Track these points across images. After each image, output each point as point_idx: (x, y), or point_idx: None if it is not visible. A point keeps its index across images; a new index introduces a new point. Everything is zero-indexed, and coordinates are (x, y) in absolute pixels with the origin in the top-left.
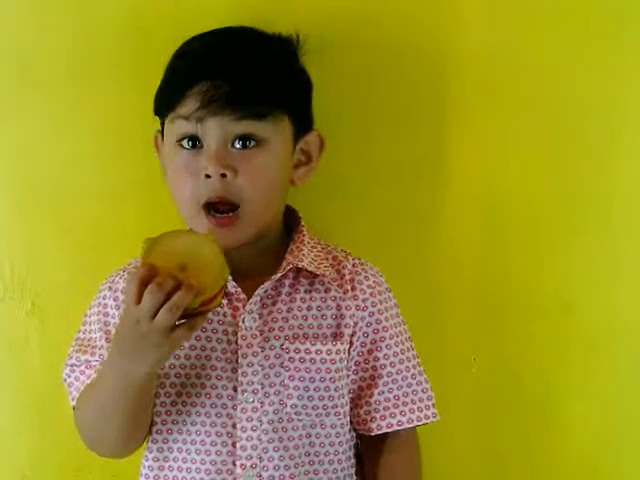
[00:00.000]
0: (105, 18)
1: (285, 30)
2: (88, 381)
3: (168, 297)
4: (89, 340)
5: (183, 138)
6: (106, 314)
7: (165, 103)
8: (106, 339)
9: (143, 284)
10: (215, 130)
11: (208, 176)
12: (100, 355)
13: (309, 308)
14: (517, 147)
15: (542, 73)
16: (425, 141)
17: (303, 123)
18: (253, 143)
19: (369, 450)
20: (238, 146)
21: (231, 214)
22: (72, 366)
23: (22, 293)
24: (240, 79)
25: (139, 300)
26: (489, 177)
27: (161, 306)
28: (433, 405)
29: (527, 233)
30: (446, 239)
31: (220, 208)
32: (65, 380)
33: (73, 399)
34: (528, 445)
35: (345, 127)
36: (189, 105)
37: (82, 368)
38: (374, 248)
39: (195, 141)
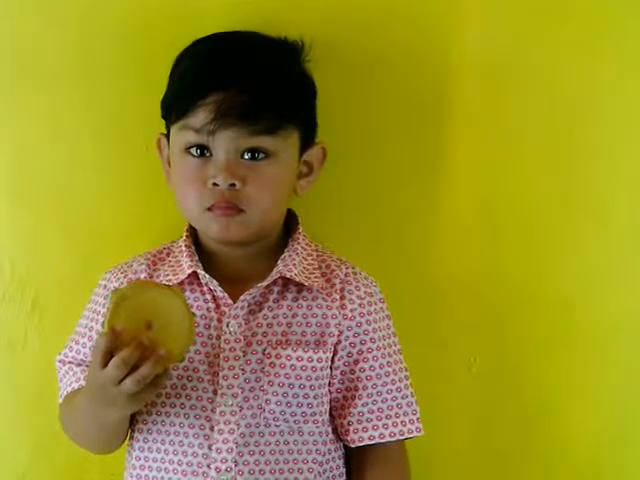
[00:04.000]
0: (106, 18)
1: (288, 34)
2: (75, 384)
3: (135, 366)
4: (77, 335)
5: (192, 146)
6: (94, 310)
7: (175, 111)
8: (89, 337)
9: (108, 352)
10: (226, 142)
11: (216, 184)
12: (84, 354)
13: (294, 315)
14: (517, 149)
15: (542, 75)
16: (426, 144)
17: (310, 135)
18: (262, 155)
19: (355, 462)
20: (247, 157)
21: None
22: (60, 362)
23: (22, 293)
24: (254, 92)
25: (105, 366)
26: (488, 178)
27: (127, 374)
28: (418, 419)
29: (527, 234)
30: (446, 240)
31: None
32: (57, 375)
33: (60, 397)
34: (528, 445)
35: (345, 131)
36: (201, 116)
37: (66, 368)
38: (373, 250)
39: (203, 150)
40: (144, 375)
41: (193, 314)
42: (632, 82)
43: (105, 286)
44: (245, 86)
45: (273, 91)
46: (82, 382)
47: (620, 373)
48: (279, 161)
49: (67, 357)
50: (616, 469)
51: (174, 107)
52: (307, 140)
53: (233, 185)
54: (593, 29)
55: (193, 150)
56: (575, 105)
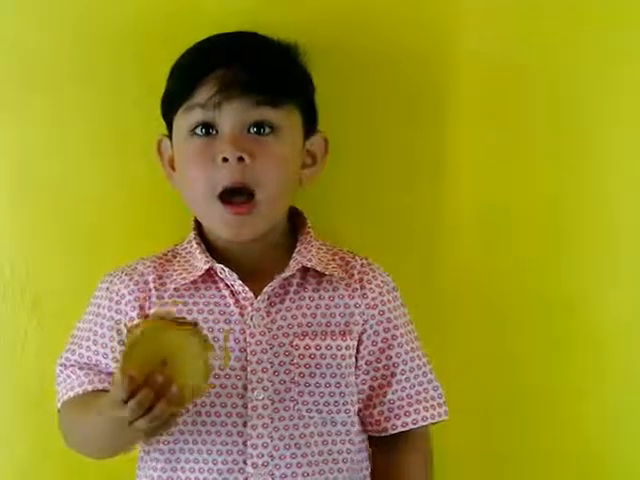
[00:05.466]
0: (106, 20)
1: (288, 33)
2: (79, 388)
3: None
4: (79, 339)
5: (197, 126)
6: (98, 314)
7: (178, 94)
8: (94, 341)
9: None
10: (231, 116)
11: (225, 160)
12: (88, 357)
13: (318, 306)
14: (517, 149)
15: (542, 74)
16: (425, 143)
17: (311, 120)
18: (268, 130)
19: (381, 450)
20: (253, 131)
21: (248, 203)
22: (61, 366)
23: (22, 293)
24: (256, 66)
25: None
26: (490, 178)
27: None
28: (444, 403)
29: (528, 234)
30: (448, 240)
31: (236, 199)
32: (55, 379)
33: (59, 400)
34: (530, 445)
35: (345, 131)
36: (205, 92)
37: (68, 372)
38: (374, 250)
39: (209, 128)
40: (157, 415)
41: (211, 347)
42: (633, 81)
43: (107, 288)
44: (247, 62)
45: (274, 67)
46: (87, 386)
47: (622, 373)
48: (284, 137)
49: (69, 361)
50: (616, 467)
51: (177, 91)
52: (309, 124)
53: (242, 160)
54: (593, 28)
55: (199, 130)
56: (575, 104)
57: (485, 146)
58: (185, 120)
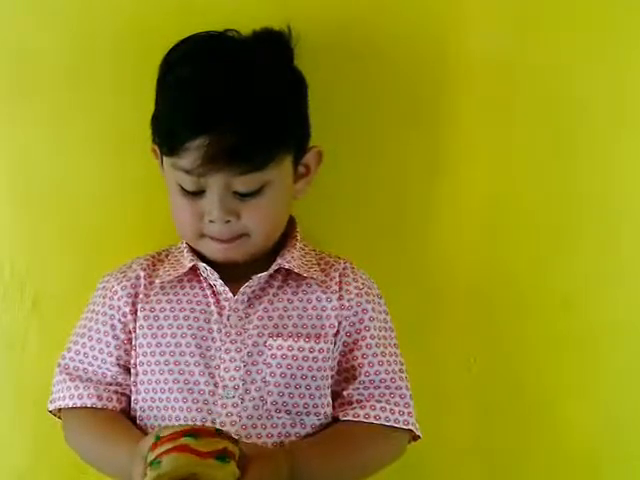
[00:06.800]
0: (104, 20)
1: None
2: (69, 400)
3: None
4: (76, 335)
5: (183, 188)
6: (93, 310)
7: (164, 148)
8: (89, 337)
9: None
10: (217, 183)
11: (212, 221)
12: (84, 354)
13: (295, 308)
14: (516, 148)
15: (542, 73)
16: (425, 144)
17: (303, 148)
18: (255, 192)
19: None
20: (241, 193)
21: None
22: (58, 366)
23: (22, 293)
24: (242, 132)
25: None
26: (488, 178)
27: None
28: (409, 413)
29: (525, 233)
30: (445, 240)
31: None
32: (54, 377)
33: (52, 401)
34: (527, 445)
35: (343, 131)
36: (190, 158)
37: (61, 378)
38: (372, 251)
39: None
40: None
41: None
42: (633, 81)
43: (104, 287)
44: (233, 126)
45: (261, 127)
46: (76, 401)
47: (619, 372)
48: (274, 187)
49: (65, 359)
50: (613, 467)
51: (163, 144)
52: (301, 153)
53: (229, 221)
54: (594, 28)
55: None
56: (575, 105)
57: (483, 146)
58: (172, 173)
